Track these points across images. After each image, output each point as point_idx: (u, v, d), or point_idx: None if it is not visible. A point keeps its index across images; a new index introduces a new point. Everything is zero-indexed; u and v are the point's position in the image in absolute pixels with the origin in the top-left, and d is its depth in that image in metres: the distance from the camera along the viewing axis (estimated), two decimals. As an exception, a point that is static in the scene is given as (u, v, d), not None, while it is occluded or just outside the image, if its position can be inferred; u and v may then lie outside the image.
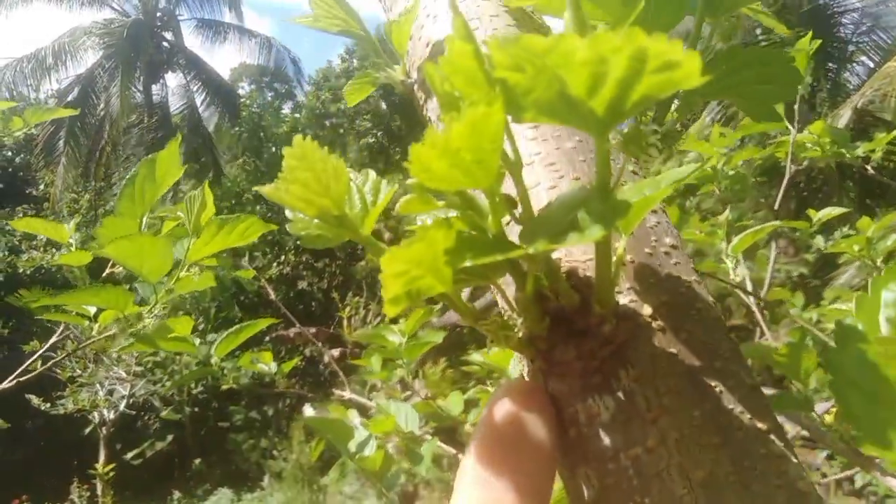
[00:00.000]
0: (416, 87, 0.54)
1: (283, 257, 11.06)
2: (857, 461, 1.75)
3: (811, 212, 2.26)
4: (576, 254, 0.38)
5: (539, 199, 0.41)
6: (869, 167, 2.11)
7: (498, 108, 0.28)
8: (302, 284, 10.89)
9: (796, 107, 2.18)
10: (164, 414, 8.24)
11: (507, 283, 0.38)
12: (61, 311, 1.37)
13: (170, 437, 8.47)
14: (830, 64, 11.11)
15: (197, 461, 8.37)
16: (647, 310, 0.36)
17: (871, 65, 11.13)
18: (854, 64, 11.51)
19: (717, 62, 0.54)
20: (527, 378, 0.39)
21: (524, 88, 0.29)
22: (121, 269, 1.62)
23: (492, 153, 0.29)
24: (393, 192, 0.36)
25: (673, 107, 0.54)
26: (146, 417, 8.60)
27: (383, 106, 16.41)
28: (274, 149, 13.48)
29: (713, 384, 0.34)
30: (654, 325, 0.35)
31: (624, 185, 0.42)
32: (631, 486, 0.32)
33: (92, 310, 1.37)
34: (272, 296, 2.90)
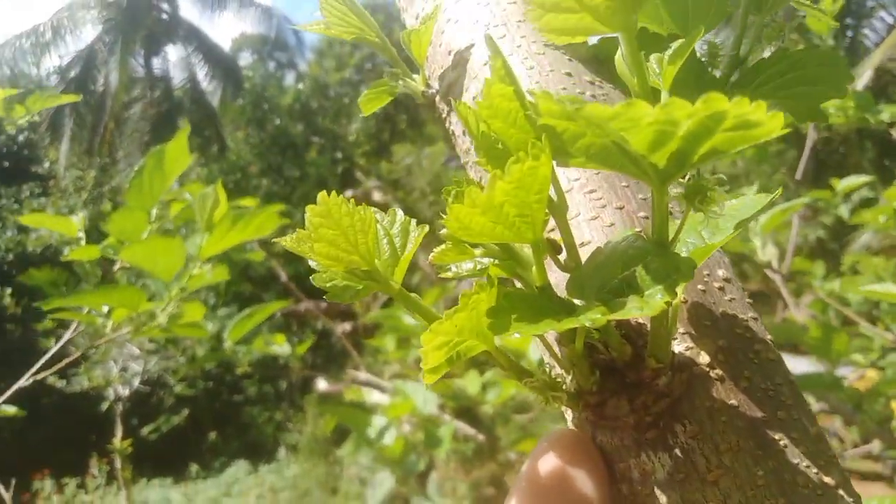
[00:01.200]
0: (437, 97, 0.50)
1: (289, 231, 11.06)
2: (884, 439, 1.73)
3: (834, 181, 2.20)
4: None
5: (580, 232, 0.38)
6: (894, 131, 2.06)
7: (546, 160, 0.25)
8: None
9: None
10: (178, 389, 8.33)
11: (552, 334, 0.35)
12: (74, 310, 1.36)
13: (185, 412, 8.57)
14: (849, 20, 10.80)
15: (212, 434, 8.49)
16: (703, 358, 0.33)
17: (891, 21, 10.84)
18: (873, 20, 11.20)
19: (766, 65, 0.51)
20: (572, 426, 0.37)
21: (573, 134, 0.26)
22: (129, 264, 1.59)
23: (538, 205, 0.27)
24: (423, 236, 0.33)
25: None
26: (161, 393, 8.70)
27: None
28: (278, 120, 13.37)
29: (777, 437, 0.32)
30: (711, 374, 0.33)
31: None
32: (691, 553, 0.30)
33: (105, 307, 1.36)
34: (283, 277, 2.89)
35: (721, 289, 0.37)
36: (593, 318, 0.25)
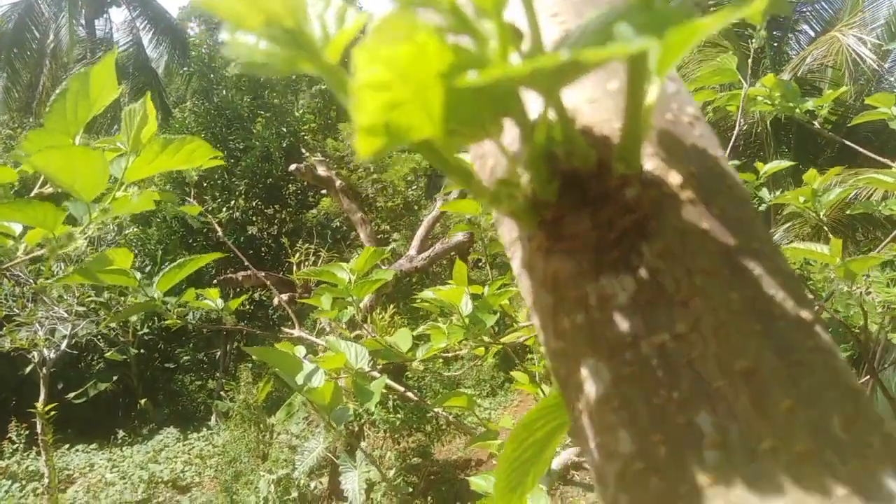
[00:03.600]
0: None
1: (232, 202, 10.75)
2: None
3: (758, 164, 2.26)
4: (589, 115, 0.31)
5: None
6: (816, 123, 2.13)
7: None
8: (252, 230, 10.61)
9: (749, 60, 2.16)
10: (108, 354, 8.04)
11: (509, 141, 0.31)
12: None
13: (114, 378, 8.28)
14: (776, 32, 11.25)
15: (142, 401, 8.23)
16: (674, 178, 0.29)
17: (813, 34, 11.33)
18: (797, 32, 11.68)
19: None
20: (519, 264, 0.33)
21: None
22: (50, 189, 1.49)
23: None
24: (364, 21, 0.28)
25: None
26: (90, 358, 8.37)
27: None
28: (224, 92, 12.97)
29: (751, 266, 0.28)
30: (682, 196, 0.29)
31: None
32: (654, 378, 0.26)
33: (17, 229, 1.26)
34: (220, 233, 2.78)
35: (690, 124, 0.33)
36: (568, 54, 0.21)
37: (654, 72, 0.28)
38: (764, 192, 2.31)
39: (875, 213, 2.25)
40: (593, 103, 0.32)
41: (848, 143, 2.29)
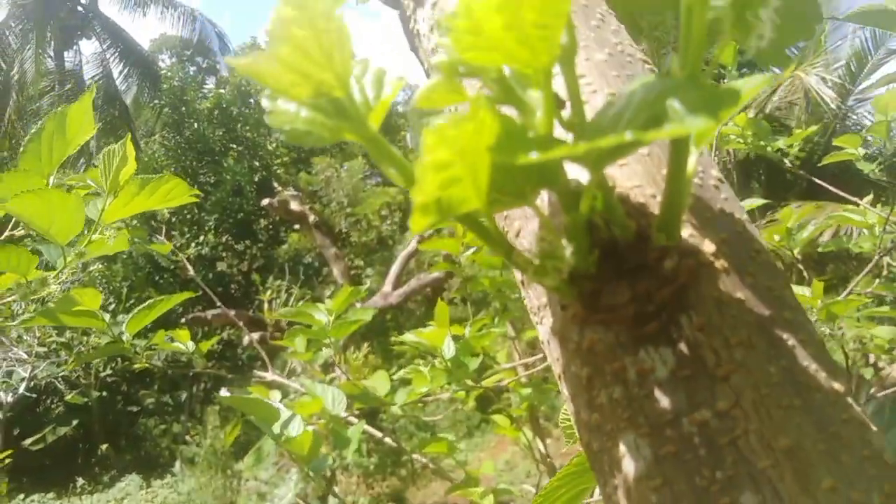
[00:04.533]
0: (402, -5, 0.46)
1: (202, 237, 10.62)
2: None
3: None
4: (620, 180, 0.31)
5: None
6: (787, 161, 2.19)
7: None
8: (221, 266, 10.47)
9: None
10: (68, 397, 7.77)
11: (546, 209, 0.31)
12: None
13: (75, 422, 7.99)
14: (743, 70, 11.65)
15: (104, 447, 7.94)
16: (708, 246, 0.29)
17: (779, 72, 11.75)
18: (763, 70, 12.11)
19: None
20: (548, 331, 0.32)
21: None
22: (23, 231, 1.46)
23: (560, 16, 0.22)
24: (402, 85, 0.28)
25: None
26: (49, 401, 8.08)
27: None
28: (196, 125, 12.92)
29: (785, 337, 0.28)
30: (717, 264, 0.29)
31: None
32: (697, 457, 0.26)
33: (-14, 272, 1.22)
34: (191, 272, 2.73)
35: (716, 187, 0.33)
36: (626, 134, 0.21)
37: (694, 143, 0.28)
38: None
39: (846, 250, 2.29)
40: (623, 167, 0.32)
41: (816, 180, 2.36)
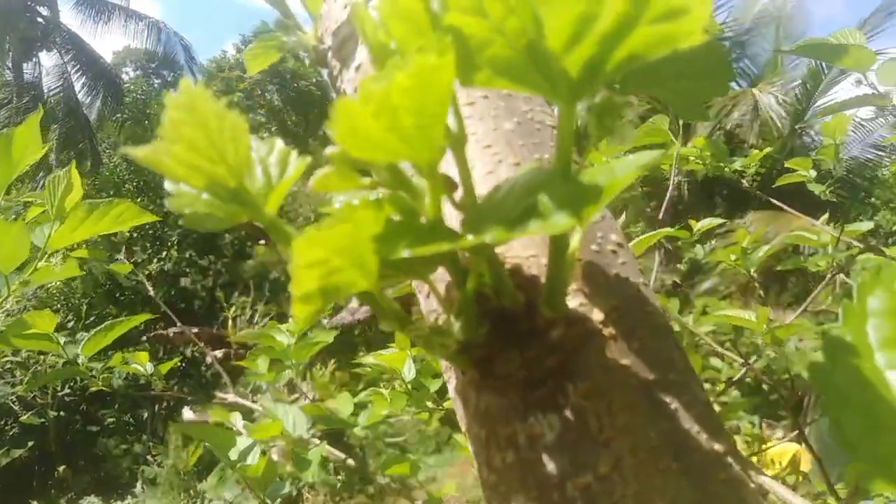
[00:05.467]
0: (330, 54, 0.47)
1: (164, 253, 10.45)
2: None
3: (692, 221, 2.38)
4: (517, 249, 0.33)
5: (476, 186, 0.36)
6: (745, 181, 2.25)
7: (450, 60, 0.23)
8: (185, 282, 10.31)
9: (681, 121, 2.29)
10: (23, 418, 7.56)
11: (439, 281, 0.33)
12: None
13: (30, 444, 7.77)
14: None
15: (61, 468, 7.73)
16: (597, 315, 0.31)
17: (737, 87, 12.08)
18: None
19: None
20: (454, 390, 0.34)
21: (481, 41, 0.24)
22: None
23: (437, 117, 0.24)
24: (305, 166, 0.30)
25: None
26: (2, 423, 7.86)
27: (277, 101, 15.94)
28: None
29: (668, 400, 0.30)
30: (605, 332, 0.31)
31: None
32: (580, 521, 0.28)
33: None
34: (150, 291, 2.70)
35: (614, 252, 0.35)
36: (492, 235, 0.22)
37: (580, 223, 0.30)
38: (698, 250, 2.41)
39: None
40: (522, 239, 0.34)
41: (773, 200, 2.43)
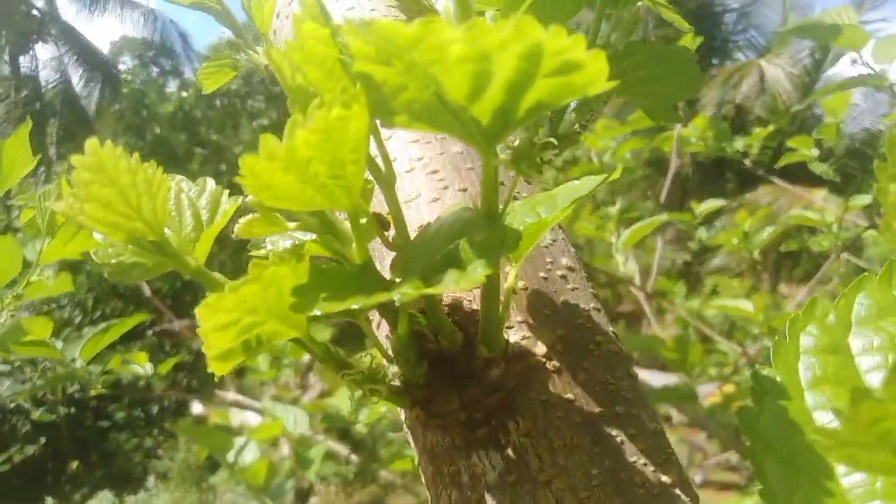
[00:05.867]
0: (283, 75, 0.46)
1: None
2: (734, 446, 1.83)
3: (694, 205, 2.36)
4: (460, 280, 0.33)
5: (420, 215, 0.35)
6: (747, 161, 2.23)
7: (359, 110, 0.22)
8: (190, 274, 10.33)
9: (681, 102, 2.25)
10: (35, 416, 7.62)
11: (377, 319, 0.32)
12: None
13: (42, 440, 7.85)
14: (714, 60, 11.83)
15: (74, 464, 7.81)
16: (540, 348, 0.31)
17: (746, 58, 11.93)
18: (733, 60, 12.28)
19: (616, 59, 0.50)
20: (405, 425, 0.33)
21: (394, 87, 0.23)
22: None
23: (353, 165, 0.23)
24: (236, 208, 0.29)
25: (569, 108, 0.50)
26: (14, 420, 7.93)
27: (276, 87, 15.88)
28: (158, 129, 12.72)
29: (614, 433, 0.30)
30: (548, 365, 0.31)
31: (517, 198, 0.37)
32: (520, 562, 0.27)
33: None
34: (147, 292, 2.70)
35: (563, 277, 0.35)
36: (405, 291, 0.22)
37: (512, 260, 0.29)
38: (701, 232, 2.39)
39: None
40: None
41: (774, 180, 2.41)
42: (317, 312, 0.22)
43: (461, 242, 0.24)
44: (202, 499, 5.67)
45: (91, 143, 0.23)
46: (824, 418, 0.23)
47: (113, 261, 0.27)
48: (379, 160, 0.28)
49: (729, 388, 2.29)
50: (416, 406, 0.30)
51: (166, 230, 0.27)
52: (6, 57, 15.75)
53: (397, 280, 0.26)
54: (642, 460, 0.30)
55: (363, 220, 0.26)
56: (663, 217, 1.76)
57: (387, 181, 0.28)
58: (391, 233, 0.29)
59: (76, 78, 16.35)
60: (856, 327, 0.25)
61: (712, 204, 2.37)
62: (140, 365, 2.09)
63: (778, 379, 0.24)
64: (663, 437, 0.32)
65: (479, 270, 0.22)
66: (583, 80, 0.20)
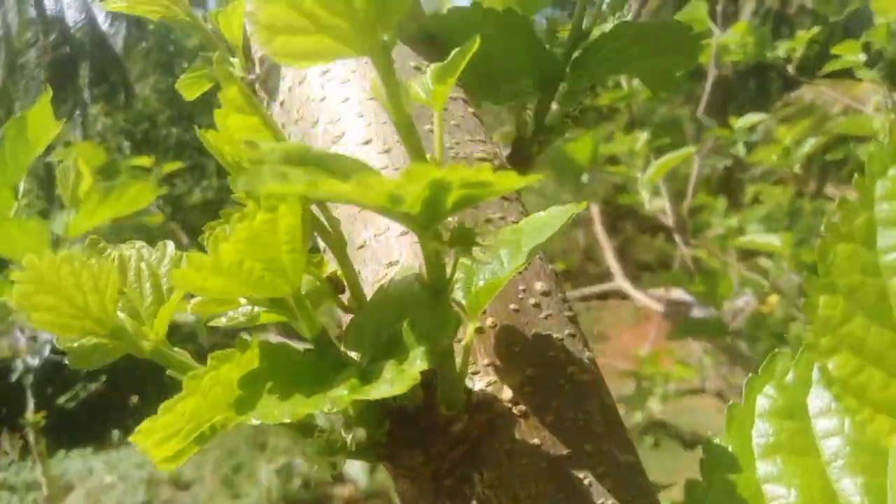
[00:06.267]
0: (257, 84, 0.46)
1: (205, 182, 10.57)
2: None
3: (732, 120, 2.27)
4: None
5: (389, 248, 0.35)
6: (790, 68, 2.12)
7: (288, 209, 0.22)
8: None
9: (719, 7, 2.13)
10: (94, 355, 8.00)
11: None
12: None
13: (103, 378, 8.27)
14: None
15: (134, 398, 8.24)
16: (506, 393, 0.31)
17: None
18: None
19: (608, 38, 0.48)
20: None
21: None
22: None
23: (291, 255, 0.23)
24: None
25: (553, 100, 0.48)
26: (76, 359, 8.34)
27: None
28: (186, 64, 12.63)
29: (582, 475, 0.30)
30: (514, 410, 0.31)
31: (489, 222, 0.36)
32: None
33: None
34: (184, 241, 2.76)
35: (537, 305, 0.34)
36: (340, 395, 0.22)
37: (469, 316, 0.29)
38: (739, 149, 2.31)
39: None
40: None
41: (821, 87, 2.29)
42: (255, 422, 0.22)
43: (405, 325, 0.24)
44: (256, 427, 5.94)
45: (30, 259, 0.23)
46: (775, 491, 0.23)
47: (75, 345, 0.27)
48: (325, 223, 0.27)
49: (774, 300, 2.26)
50: (382, 461, 0.30)
51: (122, 314, 0.27)
52: (32, 0, 15.68)
53: (352, 355, 0.26)
54: (611, 500, 0.30)
55: (306, 305, 0.26)
56: (691, 149, 1.71)
57: (338, 245, 0.27)
58: (346, 295, 0.29)
59: (101, 17, 16.25)
60: (815, 386, 0.25)
61: (751, 119, 2.28)
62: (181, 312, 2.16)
63: (729, 448, 0.24)
64: (635, 468, 0.32)
65: (417, 364, 0.22)
66: (496, 189, 0.19)
